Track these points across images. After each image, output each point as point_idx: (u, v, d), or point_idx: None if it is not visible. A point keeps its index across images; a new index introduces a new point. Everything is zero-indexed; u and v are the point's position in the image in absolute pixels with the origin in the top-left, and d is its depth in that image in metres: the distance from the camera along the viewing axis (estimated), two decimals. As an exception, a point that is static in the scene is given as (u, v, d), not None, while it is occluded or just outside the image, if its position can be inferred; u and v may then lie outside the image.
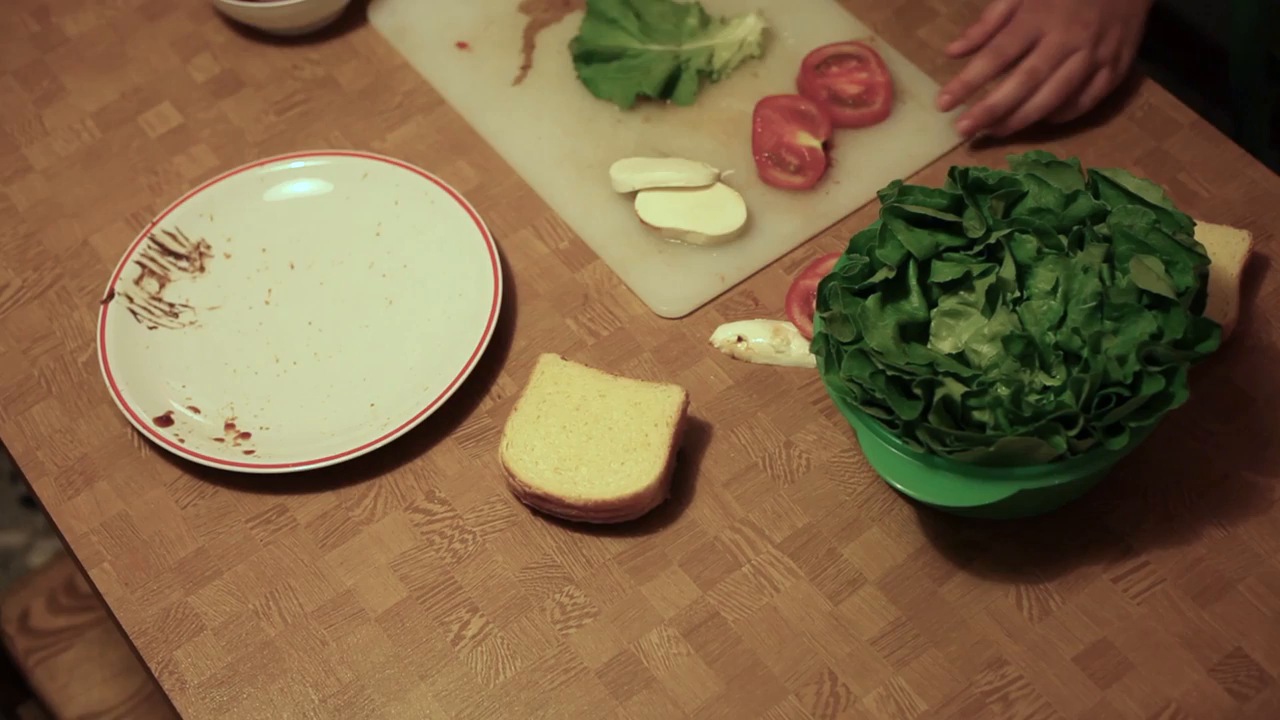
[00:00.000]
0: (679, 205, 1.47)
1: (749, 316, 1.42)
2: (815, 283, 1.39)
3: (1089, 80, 1.49)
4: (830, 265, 1.40)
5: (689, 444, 1.35)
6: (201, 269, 1.48)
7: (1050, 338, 1.21)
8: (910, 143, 1.51)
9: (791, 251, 1.46)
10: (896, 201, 1.25)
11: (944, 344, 1.24)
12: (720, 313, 1.43)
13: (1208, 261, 1.21)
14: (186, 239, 1.49)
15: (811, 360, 1.38)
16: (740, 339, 1.40)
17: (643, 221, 1.47)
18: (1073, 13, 1.48)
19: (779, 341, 1.39)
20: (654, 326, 1.43)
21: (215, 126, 1.60)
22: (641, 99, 1.56)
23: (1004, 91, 1.48)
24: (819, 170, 1.48)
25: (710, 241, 1.46)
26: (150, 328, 1.44)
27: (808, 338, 1.39)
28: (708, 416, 1.37)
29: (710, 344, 1.41)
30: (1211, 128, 1.52)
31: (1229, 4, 1.97)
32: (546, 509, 1.31)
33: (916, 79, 1.55)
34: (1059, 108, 1.49)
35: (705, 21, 1.59)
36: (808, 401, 1.37)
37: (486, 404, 1.39)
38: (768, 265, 1.45)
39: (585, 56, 1.58)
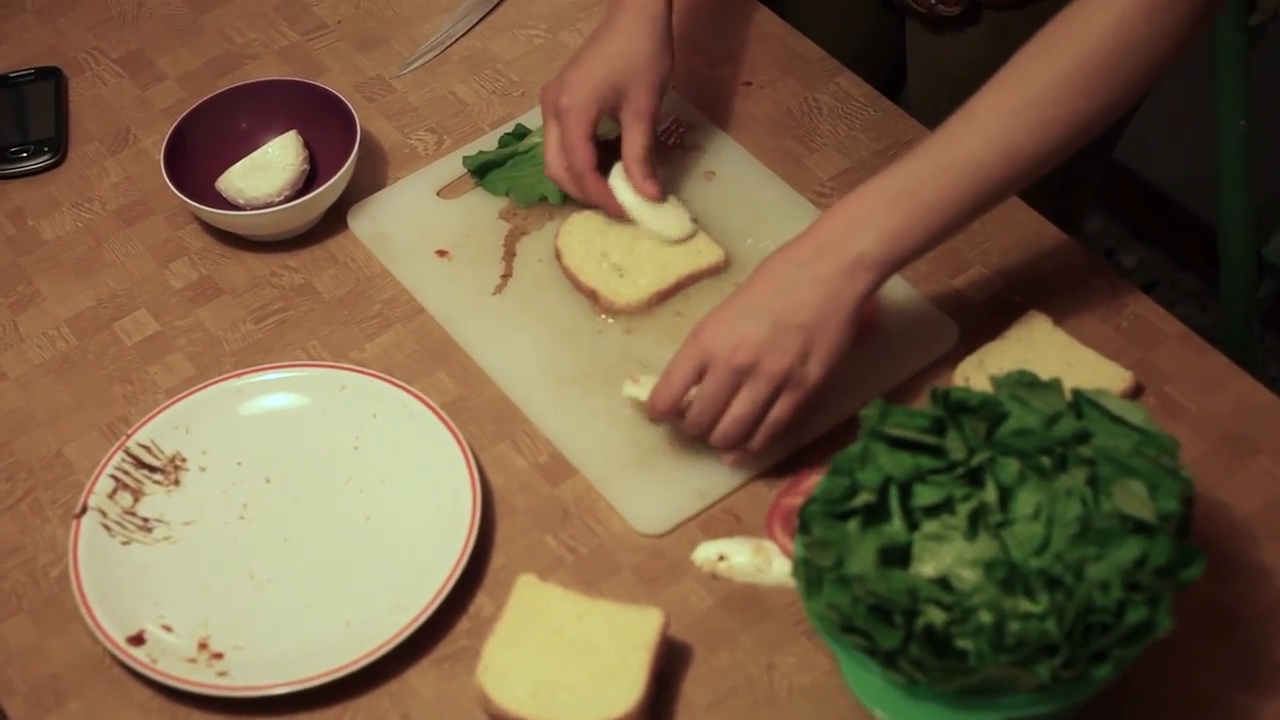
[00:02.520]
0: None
1: (730, 534, 1.46)
2: (797, 501, 1.42)
3: (770, 404, 1.45)
4: (812, 483, 1.43)
5: (670, 666, 1.38)
6: (176, 483, 1.52)
7: (1033, 562, 1.24)
8: (895, 355, 1.56)
9: (773, 467, 1.49)
10: (877, 424, 1.29)
11: (926, 568, 1.27)
12: (701, 530, 1.46)
13: (1192, 486, 1.24)
14: (161, 452, 1.53)
15: (793, 580, 1.41)
16: (721, 557, 1.43)
17: (558, 253, 1.62)
18: (734, 341, 1.42)
19: (761, 561, 1.43)
20: (634, 544, 1.46)
21: (192, 335, 1.64)
22: (545, 204, 1.69)
23: (689, 430, 1.48)
24: (802, 384, 1.52)
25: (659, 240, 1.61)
26: (123, 543, 1.48)
27: (790, 557, 1.42)
28: (689, 638, 1.40)
29: (691, 562, 1.44)
30: (1198, 338, 1.56)
31: (1219, 198, 2.02)
32: (525, 734, 1.34)
33: (901, 289, 1.60)
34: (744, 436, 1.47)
35: None
36: (790, 622, 1.40)
37: (464, 624, 1.42)
38: (749, 481, 1.49)
39: (480, 170, 1.71)
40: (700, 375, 1.43)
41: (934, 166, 1.41)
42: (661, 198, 1.63)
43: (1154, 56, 1.40)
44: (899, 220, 1.40)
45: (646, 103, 1.62)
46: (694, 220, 1.64)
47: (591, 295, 1.61)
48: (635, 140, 1.62)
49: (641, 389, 1.48)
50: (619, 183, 1.64)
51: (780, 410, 1.44)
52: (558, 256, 1.63)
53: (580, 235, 1.63)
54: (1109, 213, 3.11)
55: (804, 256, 1.42)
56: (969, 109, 1.43)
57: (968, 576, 1.25)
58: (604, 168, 1.63)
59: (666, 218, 1.64)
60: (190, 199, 1.66)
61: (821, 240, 1.42)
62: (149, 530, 1.49)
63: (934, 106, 1.87)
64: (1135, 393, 1.51)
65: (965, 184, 1.41)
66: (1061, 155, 1.43)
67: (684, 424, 1.47)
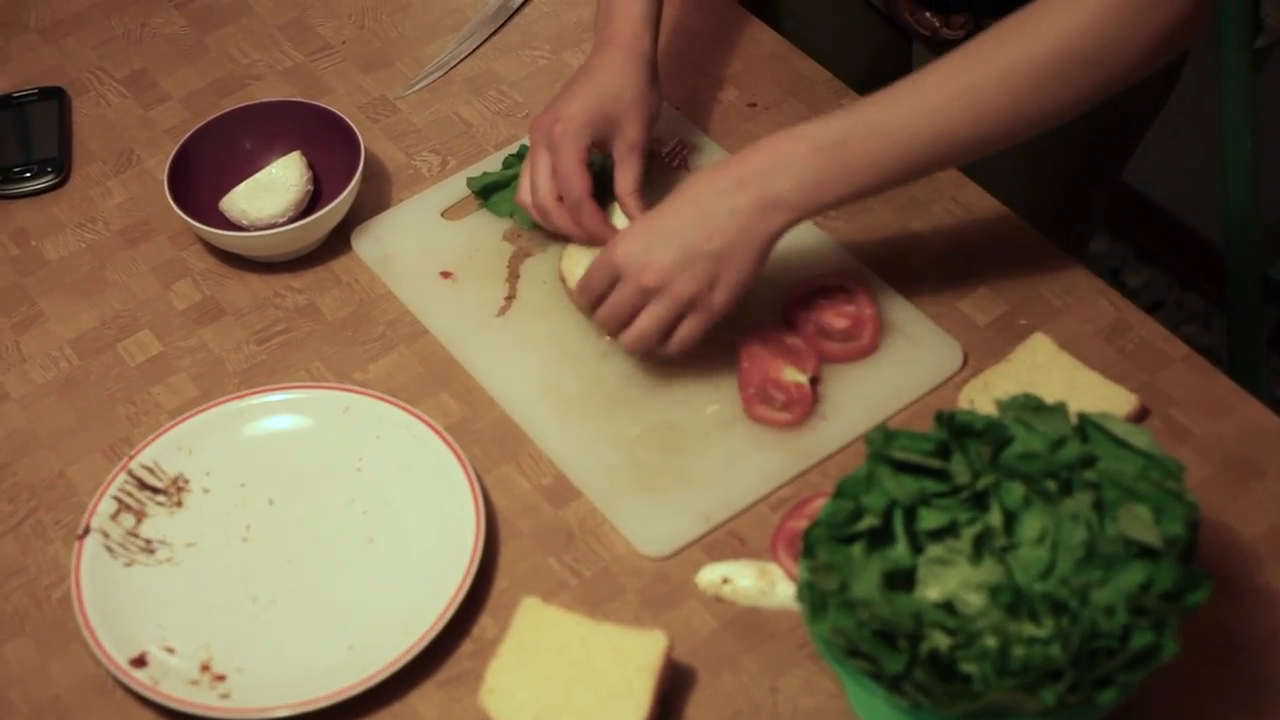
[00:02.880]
0: None
1: (734, 557, 1.46)
2: (802, 524, 1.43)
3: (676, 324, 1.52)
4: (817, 505, 1.44)
5: (673, 690, 1.38)
6: (179, 504, 1.52)
7: (1038, 587, 1.25)
8: (899, 377, 1.56)
9: (778, 489, 1.50)
10: (882, 448, 1.30)
11: (931, 592, 1.28)
12: (705, 553, 1.47)
13: (1197, 510, 1.25)
14: (164, 473, 1.54)
15: (798, 603, 1.41)
16: (726, 580, 1.44)
17: (562, 278, 1.62)
18: (643, 259, 1.49)
19: (765, 584, 1.43)
20: (638, 567, 1.47)
21: (195, 355, 1.65)
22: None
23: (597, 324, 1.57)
24: (806, 406, 1.53)
25: None
26: (126, 564, 1.48)
27: (794, 580, 1.42)
28: (692, 661, 1.40)
29: (695, 585, 1.45)
30: (1204, 361, 1.57)
31: (1225, 221, 2.03)
32: (528, 757, 1.34)
33: (905, 311, 1.61)
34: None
35: None
36: (794, 645, 1.41)
37: (467, 646, 1.43)
38: (753, 504, 1.49)
39: (484, 191, 1.72)
40: (614, 284, 1.51)
41: (867, 126, 1.45)
42: None
43: (1105, 71, 1.43)
44: (823, 172, 1.45)
45: (638, 136, 1.64)
46: None
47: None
48: (629, 173, 1.64)
49: (573, 264, 1.61)
50: (619, 216, 1.65)
51: (686, 329, 1.51)
52: (562, 280, 1.63)
53: (585, 261, 1.63)
54: (1114, 233, 3.12)
55: (725, 184, 1.48)
56: (915, 79, 1.46)
57: (972, 601, 1.26)
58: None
59: None
60: (194, 220, 1.67)
61: (745, 172, 1.47)
62: (151, 552, 1.49)
63: None
64: (1140, 416, 1.52)
65: (894, 152, 1.45)
66: (998, 145, 1.46)
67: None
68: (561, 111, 1.62)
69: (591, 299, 1.54)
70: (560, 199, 1.62)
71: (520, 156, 1.75)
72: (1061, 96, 1.43)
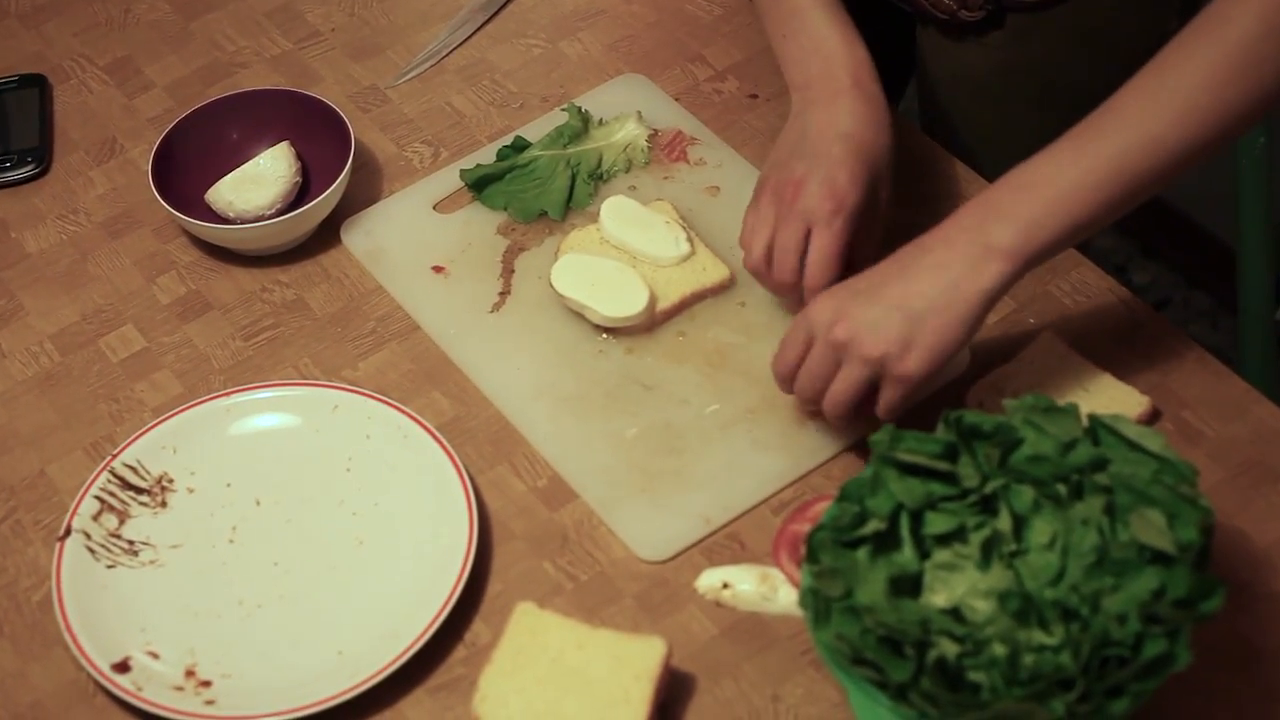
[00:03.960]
0: (589, 275, 1.60)
1: (735, 561, 1.45)
2: (804, 528, 1.42)
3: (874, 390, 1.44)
4: (820, 509, 1.43)
5: (671, 698, 1.37)
6: (163, 504, 1.52)
7: (1048, 594, 1.24)
8: (904, 377, 1.56)
9: (779, 492, 1.49)
10: (888, 450, 1.29)
11: (938, 598, 1.27)
12: (705, 556, 1.46)
13: (1212, 515, 1.24)
14: (148, 472, 1.53)
15: (800, 609, 1.41)
16: (726, 585, 1.43)
17: (551, 285, 1.60)
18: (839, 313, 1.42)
19: (766, 589, 1.42)
20: (636, 571, 1.46)
21: (179, 351, 1.64)
22: (545, 219, 1.70)
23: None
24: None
25: (607, 323, 1.58)
26: (108, 566, 1.47)
27: (796, 585, 1.42)
28: (691, 667, 1.40)
29: (694, 590, 1.44)
30: (1216, 362, 1.56)
31: (1238, 218, 2.03)
32: (522, 767, 1.34)
33: (910, 309, 1.60)
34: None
35: (585, 123, 1.74)
36: (796, 652, 1.40)
37: (460, 652, 1.42)
38: (754, 506, 1.49)
39: (478, 184, 1.71)
40: (808, 347, 1.44)
41: (1075, 153, 1.38)
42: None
43: None
44: (1036, 208, 1.37)
45: (889, 195, 1.55)
46: (690, 240, 1.64)
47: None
48: (873, 238, 1.54)
49: (563, 272, 1.61)
50: (608, 215, 1.65)
51: (886, 400, 1.42)
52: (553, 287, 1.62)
53: (575, 270, 1.61)
54: (1120, 229, 3.11)
55: (931, 243, 1.40)
56: (1112, 103, 1.40)
57: (981, 607, 1.25)
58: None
59: (660, 242, 1.64)
60: (179, 211, 1.66)
61: (951, 229, 1.40)
62: (135, 553, 1.49)
63: (953, 109, 1.87)
64: (1152, 418, 1.51)
65: (1105, 172, 1.38)
66: (1208, 150, 1.40)
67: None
68: (837, 187, 1.50)
69: (786, 367, 1.45)
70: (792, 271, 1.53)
71: (515, 148, 1.73)
72: (1266, 76, 1.37)
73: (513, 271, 1.66)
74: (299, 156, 1.72)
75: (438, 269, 1.67)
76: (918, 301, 1.38)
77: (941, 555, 1.28)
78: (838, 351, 1.41)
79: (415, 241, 1.70)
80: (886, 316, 1.39)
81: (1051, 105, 1.73)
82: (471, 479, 1.50)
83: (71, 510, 1.50)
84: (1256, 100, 1.39)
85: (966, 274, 1.38)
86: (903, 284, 1.39)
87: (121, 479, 1.52)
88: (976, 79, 1.79)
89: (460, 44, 1.90)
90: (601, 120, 1.76)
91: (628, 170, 1.73)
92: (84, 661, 1.41)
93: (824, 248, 1.50)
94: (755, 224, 1.54)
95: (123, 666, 1.41)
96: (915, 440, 1.29)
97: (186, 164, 1.72)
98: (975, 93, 1.78)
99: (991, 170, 1.69)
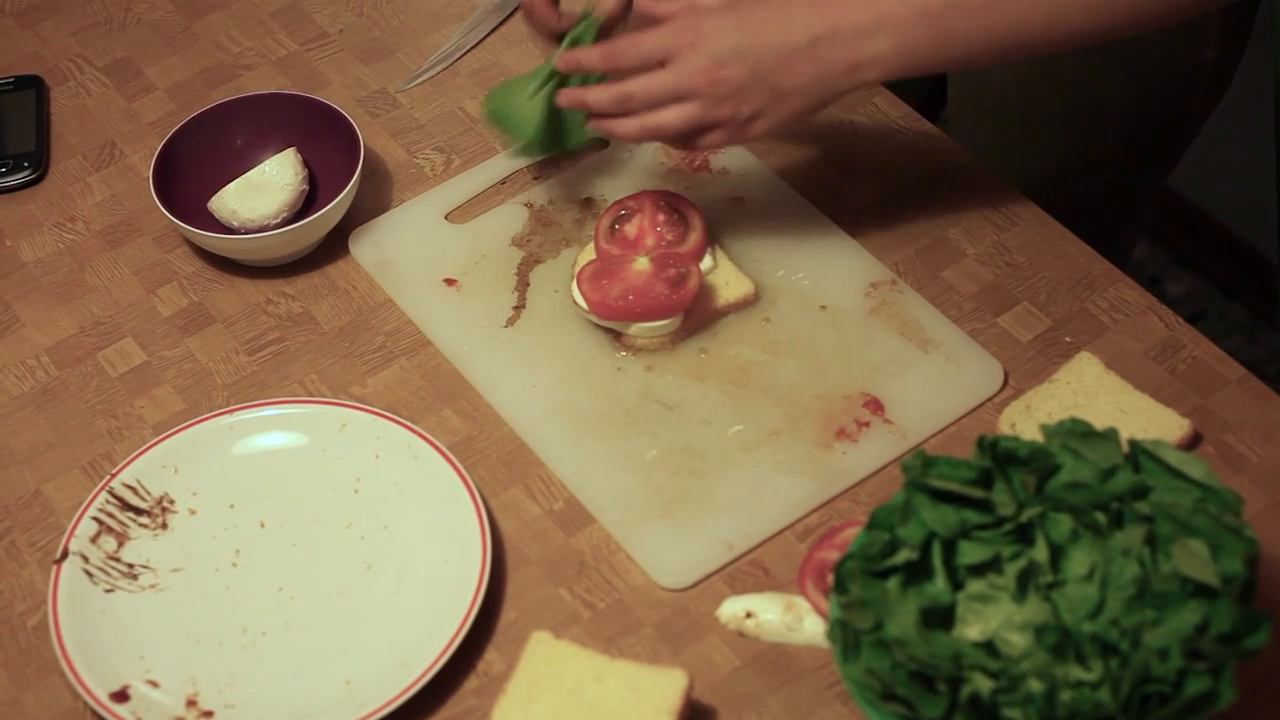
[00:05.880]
0: None
1: (758, 589, 1.45)
2: (831, 555, 1.42)
3: (700, 131, 1.51)
4: (847, 535, 1.43)
5: (693, 732, 1.38)
6: (164, 526, 1.51)
7: (1086, 627, 1.24)
8: (935, 397, 1.55)
9: (805, 517, 1.49)
10: (920, 476, 1.29)
11: (971, 630, 1.27)
12: (727, 584, 1.46)
13: (1257, 546, 1.24)
14: (148, 493, 1.53)
15: (827, 640, 1.40)
16: (749, 614, 1.43)
17: (575, 301, 1.59)
18: (711, 63, 1.48)
19: (791, 619, 1.42)
20: (655, 599, 1.46)
21: (181, 366, 1.64)
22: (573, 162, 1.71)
23: (592, 97, 1.54)
24: (836, 428, 1.52)
25: (639, 336, 1.58)
26: (107, 590, 1.47)
27: (822, 615, 1.41)
28: (713, 700, 1.39)
29: (716, 619, 1.44)
30: (1260, 384, 1.56)
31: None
32: (536, 803, 1.33)
33: (942, 326, 1.60)
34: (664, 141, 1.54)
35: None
36: (822, 685, 1.40)
37: (472, 682, 1.42)
38: (779, 532, 1.48)
39: (501, 114, 1.68)
40: (657, 64, 1.48)
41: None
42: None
43: None
44: (925, 40, 1.44)
45: None
46: (712, 251, 1.64)
47: (612, 332, 1.60)
48: None
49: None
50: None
51: (709, 141, 1.50)
52: (574, 299, 1.62)
53: None
54: (1154, 239, 3.11)
55: (818, 22, 1.45)
56: None
57: (1016, 641, 1.25)
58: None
59: None
60: (180, 220, 1.66)
61: (842, 22, 1.45)
62: (134, 577, 1.48)
63: (977, 126, 1.88)
64: (1193, 442, 1.51)
65: (1000, 27, 1.43)
66: (1103, 38, 1.44)
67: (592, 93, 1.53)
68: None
69: (618, 63, 1.50)
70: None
71: (539, 76, 1.65)
72: None
73: (528, 284, 1.66)
74: (306, 163, 1.72)
75: (450, 281, 1.67)
76: (787, 81, 1.46)
77: (975, 586, 1.28)
78: (689, 95, 1.47)
79: (426, 253, 1.70)
80: (757, 86, 1.46)
81: (1074, 125, 1.73)
82: (484, 501, 1.49)
83: (68, 532, 1.50)
84: (1165, 9, 1.43)
85: (837, 78, 1.46)
86: (780, 58, 1.45)
87: (121, 499, 1.52)
88: (1002, 90, 1.79)
89: (474, 46, 1.90)
90: None
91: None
92: (81, 690, 1.40)
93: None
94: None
95: (121, 695, 1.40)
96: (948, 466, 1.29)
97: (189, 170, 1.72)
98: (1002, 103, 1.79)
99: (1014, 180, 1.68)
